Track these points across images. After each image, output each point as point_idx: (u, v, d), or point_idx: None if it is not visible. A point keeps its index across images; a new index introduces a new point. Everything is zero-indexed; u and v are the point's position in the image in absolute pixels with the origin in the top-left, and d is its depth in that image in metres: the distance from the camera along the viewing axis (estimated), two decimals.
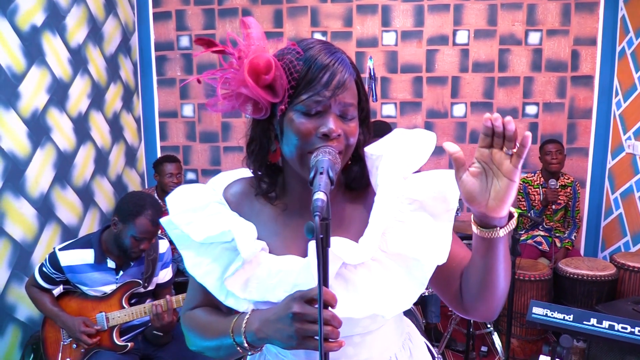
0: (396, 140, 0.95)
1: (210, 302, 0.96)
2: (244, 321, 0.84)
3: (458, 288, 0.93)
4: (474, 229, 0.81)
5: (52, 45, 2.95)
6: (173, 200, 0.96)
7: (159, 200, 3.32)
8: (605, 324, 1.45)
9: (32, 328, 2.63)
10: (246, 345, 0.84)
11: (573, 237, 3.55)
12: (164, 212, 3.14)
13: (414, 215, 0.89)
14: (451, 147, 0.74)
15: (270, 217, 0.94)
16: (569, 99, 3.83)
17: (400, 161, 0.90)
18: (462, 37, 3.85)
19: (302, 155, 0.83)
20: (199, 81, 0.84)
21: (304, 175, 0.80)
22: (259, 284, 0.87)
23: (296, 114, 0.82)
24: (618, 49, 3.66)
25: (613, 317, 1.47)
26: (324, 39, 3.86)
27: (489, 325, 3.09)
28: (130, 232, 2.05)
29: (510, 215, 0.80)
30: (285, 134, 0.84)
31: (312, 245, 0.83)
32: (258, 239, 0.90)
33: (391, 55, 3.92)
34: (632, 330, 1.42)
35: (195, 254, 0.92)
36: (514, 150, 0.70)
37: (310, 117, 0.82)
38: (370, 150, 0.94)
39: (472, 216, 0.81)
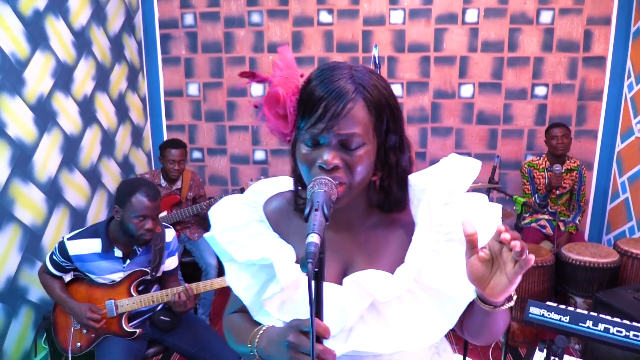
0: (442, 171, 0.95)
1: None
2: (257, 336, 0.89)
3: (461, 318, 0.93)
4: (475, 296, 0.85)
5: (55, 29, 2.93)
6: (215, 216, 1.00)
7: (164, 182, 3.36)
8: (601, 326, 1.47)
9: (44, 309, 2.72)
10: (257, 357, 0.89)
11: (577, 221, 3.55)
12: (173, 193, 3.20)
13: (448, 245, 0.90)
14: (469, 228, 0.77)
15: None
16: (579, 80, 3.75)
17: (443, 194, 0.91)
18: (471, 15, 3.76)
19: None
20: (256, 106, 0.94)
21: None
22: (294, 307, 0.91)
23: (302, 145, 0.85)
24: (633, 29, 3.55)
25: (609, 320, 1.49)
26: (331, 16, 3.77)
27: None
28: (131, 213, 2.09)
29: (509, 297, 0.83)
30: (298, 160, 0.88)
31: (347, 279, 0.89)
32: (297, 256, 0.93)
33: (398, 34, 3.84)
34: (627, 334, 1.43)
35: (238, 268, 0.97)
36: (521, 258, 0.73)
37: (312, 148, 0.84)
38: (414, 180, 0.93)
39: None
